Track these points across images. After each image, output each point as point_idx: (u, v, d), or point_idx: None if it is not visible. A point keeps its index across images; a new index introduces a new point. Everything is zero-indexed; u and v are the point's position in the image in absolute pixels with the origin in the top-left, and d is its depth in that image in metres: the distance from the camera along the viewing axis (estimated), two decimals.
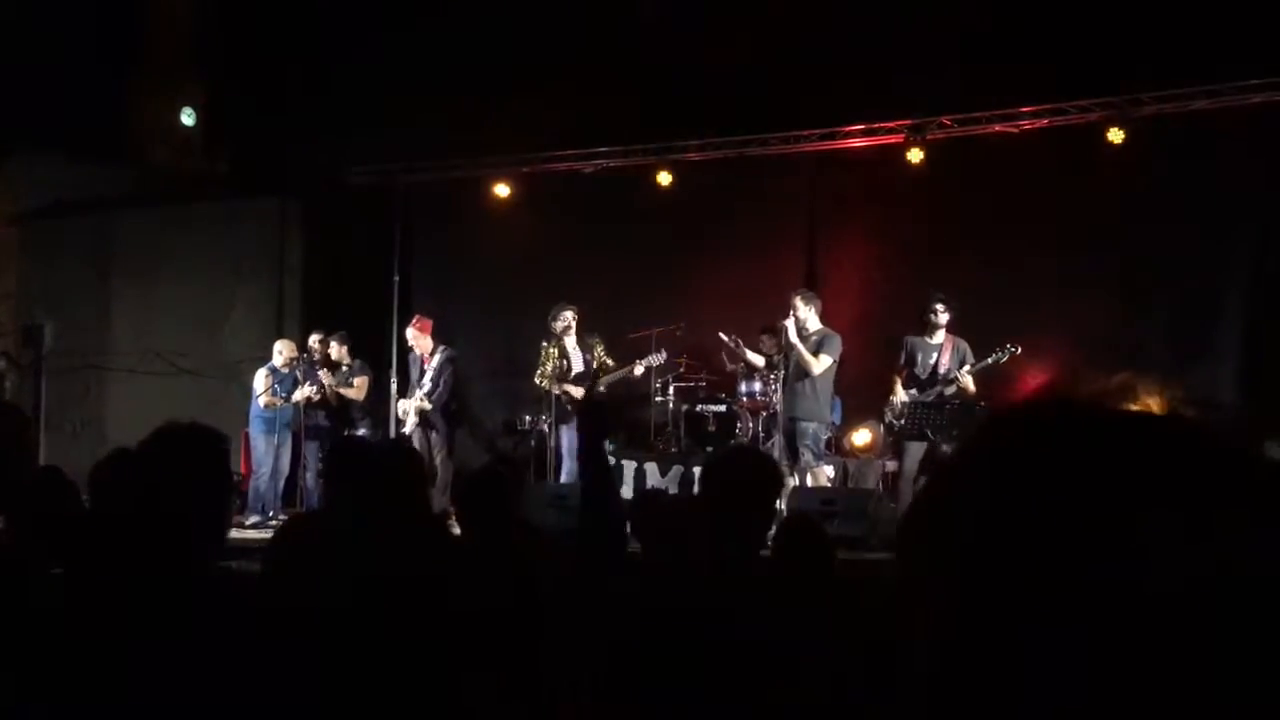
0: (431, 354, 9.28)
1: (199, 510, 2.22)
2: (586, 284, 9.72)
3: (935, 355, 7.95)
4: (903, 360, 8.12)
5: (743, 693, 2.33)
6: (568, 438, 8.36)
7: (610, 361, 8.36)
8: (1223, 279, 8.58)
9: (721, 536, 2.81)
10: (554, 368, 8.38)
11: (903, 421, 7.63)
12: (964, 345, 7.88)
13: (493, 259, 10.73)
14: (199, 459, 2.26)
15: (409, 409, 9.19)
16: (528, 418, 10.17)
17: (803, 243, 9.77)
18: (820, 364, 7.75)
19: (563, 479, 8.32)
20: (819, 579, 3.40)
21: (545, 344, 8.49)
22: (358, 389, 9.64)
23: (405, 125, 10.27)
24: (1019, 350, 7.60)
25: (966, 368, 7.69)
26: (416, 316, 9.59)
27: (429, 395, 9.07)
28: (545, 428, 9.60)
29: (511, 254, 10.66)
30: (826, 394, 7.94)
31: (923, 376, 7.95)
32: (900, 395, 8.06)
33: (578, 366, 8.36)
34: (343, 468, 4.29)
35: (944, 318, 7.90)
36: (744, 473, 2.92)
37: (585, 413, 3.19)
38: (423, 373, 9.24)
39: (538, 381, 8.44)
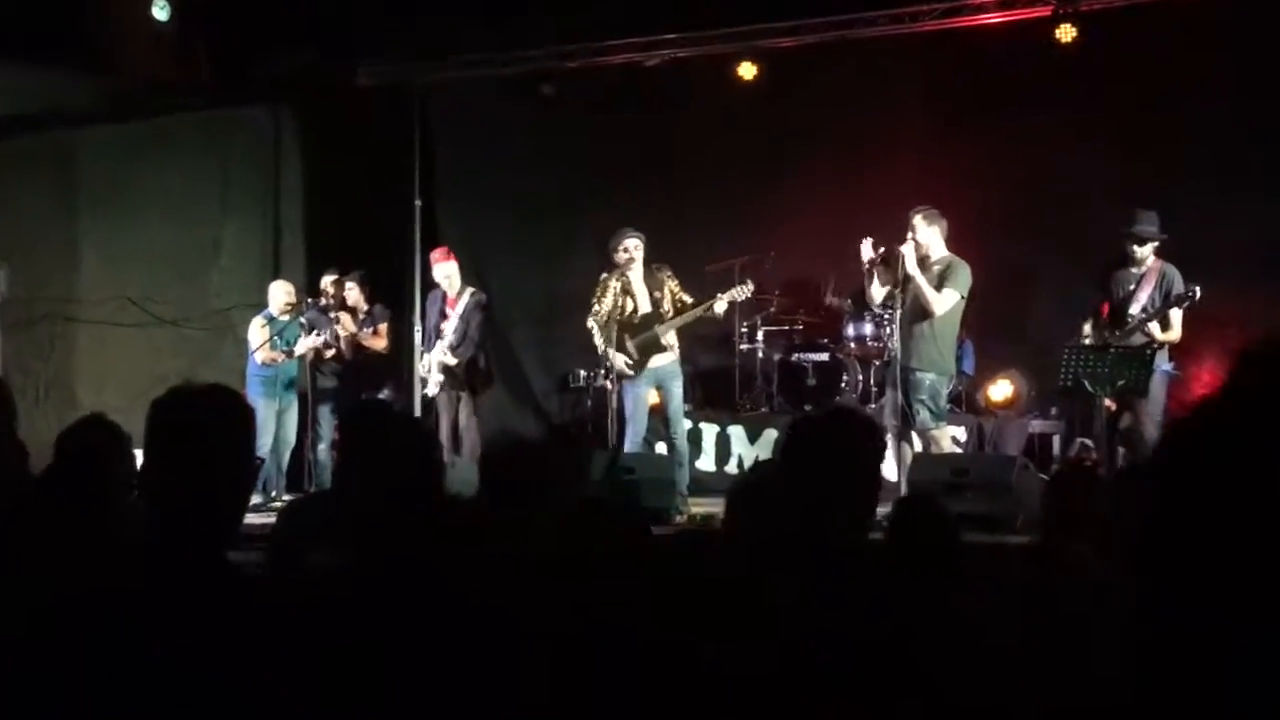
0: (458, 296, 9.32)
1: (220, 490, 2.26)
2: (651, 205, 9.72)
3: (1131, 288, 7.75)
4: (1100, 292, 7.92)
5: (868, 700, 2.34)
6: (631, 396, 8.37)
7: (687, 298, 8.32)
8: None
9: (812, 518, 2.79)
10: (614, 306, 8.34)
11: (1061, 370, 7.48)
12: (1173, 274, 7.64)
13: (535, 177, 10.74)
14: (219, 428, 2.28)
15: (431, 363, 9.25)
16: (583, 372, 10.19)
17: (921, 149, 9.61)
18: (944, 300, 7.62)
19: (627, 447, 8.33)
20: (935, 569, 3.37)
21: (605, 276, 8.47)
22: (380, 337, 9.74)
23: (423, 12, 10.25)
24: (1197, 296, 7.39)
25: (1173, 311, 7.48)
26: (441, 248, 9.61)
27: (454, 348, 9.11)
28: (607, 384, 9.63)
29: (557, 170, 10.68)
30: (950, 338, 7.82)
31: (1119, 312, 7.76)
32: (1087, 336, 7.86)
33: (644, 307, 8.34)
34: (362, 438, 4.36)
35: (1146, 248, 7.69)
36: (829, 439, 2.88)
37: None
38: (443, 317, 9.27)
39: (591, 326, 8.43)
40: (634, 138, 10.35)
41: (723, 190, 10.21)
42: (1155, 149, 8.83)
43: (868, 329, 9.42)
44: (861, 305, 9.30)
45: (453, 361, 9.09)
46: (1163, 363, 7.64)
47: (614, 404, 8.85)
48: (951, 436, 8.25)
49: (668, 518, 7.56)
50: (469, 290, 9.38)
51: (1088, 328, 7.88)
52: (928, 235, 7.74)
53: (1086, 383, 7.38)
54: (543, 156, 10.66)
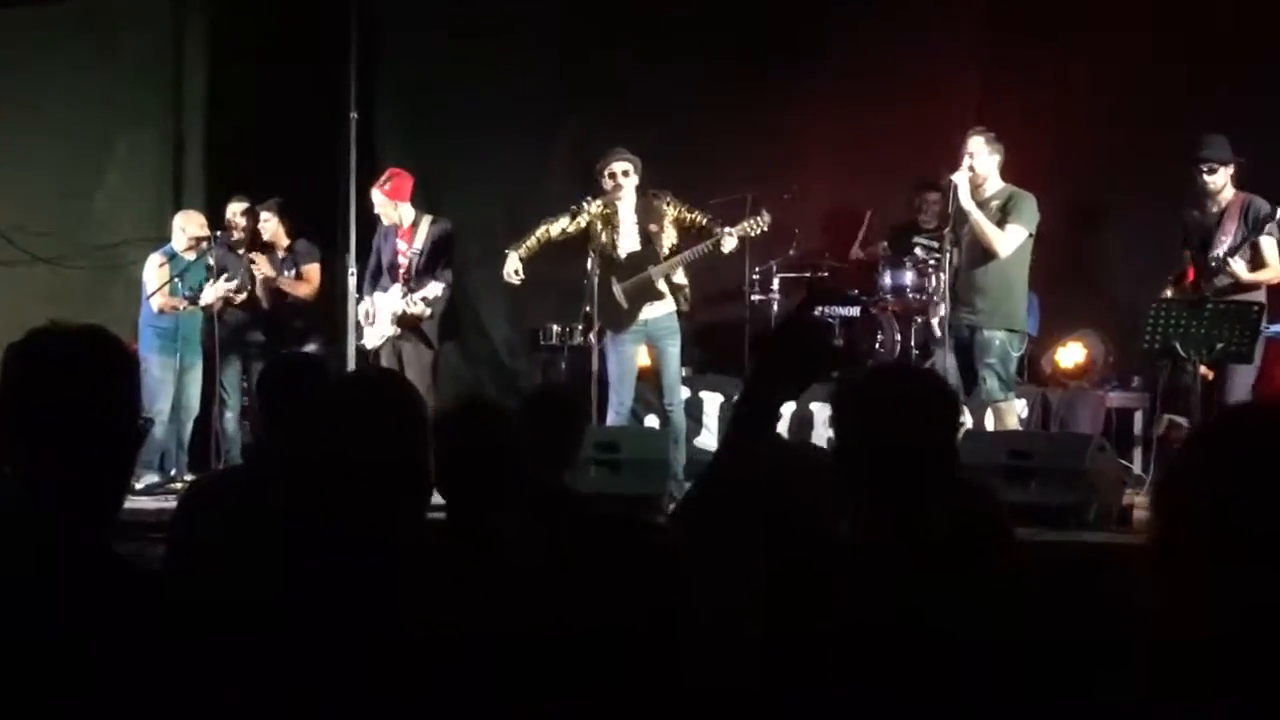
0: (413, 227, 9.24)
1: (87, 465, 2.18)
2: (643, 123, 9.63)
3: (1213, 228, 7.72)
4: (1186, 253, 7.91)
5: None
6: (616, 356, 8.32)
7: (702, 220, 8.29)
8: None
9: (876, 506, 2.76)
10: (596, 243, 8.32)
11: (1146, 330, 7.45)
12: (1260, 205, 7.62)
13: (499, 85, 10.66)
14: (91, 379, 2.20)
15: (381, 311, 9.16)
16: (556, 327, 10.15)
17: (980, 71, 9.59)
18: (1010, 238, 7.58)
19: (610, 420, 8.28)
20: (983, 576, 3.34)
21: (586, 202, 8.43)
22: (307, 282, 9.67)
23: None
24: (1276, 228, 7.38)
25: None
26: (390, 173, 9.53)
27: (417, 291, 9.03)
28: (590, 339, 9.57)
29: (527, 76, 10.61)
30: (1021, 286, 7.81)
31: (1201, 262, 7.76)
32: (1169, 293, 7.88)
33: (630, 243, 8.29)
34: (280, 402, 4.30)
35: (1219, 175, 7.67)
36: (905, 406, 2.81)
37: (782, 332, 2.89)
38: (396, 257, 9.20)
39: (509, 253, 8.47)
40: (623, 39, 10.27)
41: (735, 108, 10.14)
42: (1250, 70, 8.83)
43: (908, 278, 9.33)
44: (901, 250, 9.26)
45: (421, 309, 9.01)
46: (1274, 325, 7.63)
47: (596, 366, 8.82)
48: (1018, 414, 8.24)
49: (660, 506, 7.52)
50: (429, 218, 9.32)
51: (1169, 286, 7.92)
52: (987, 165, 7.72)
53: (1178, 345, 7.35)
54: (508, 59, 10.60)
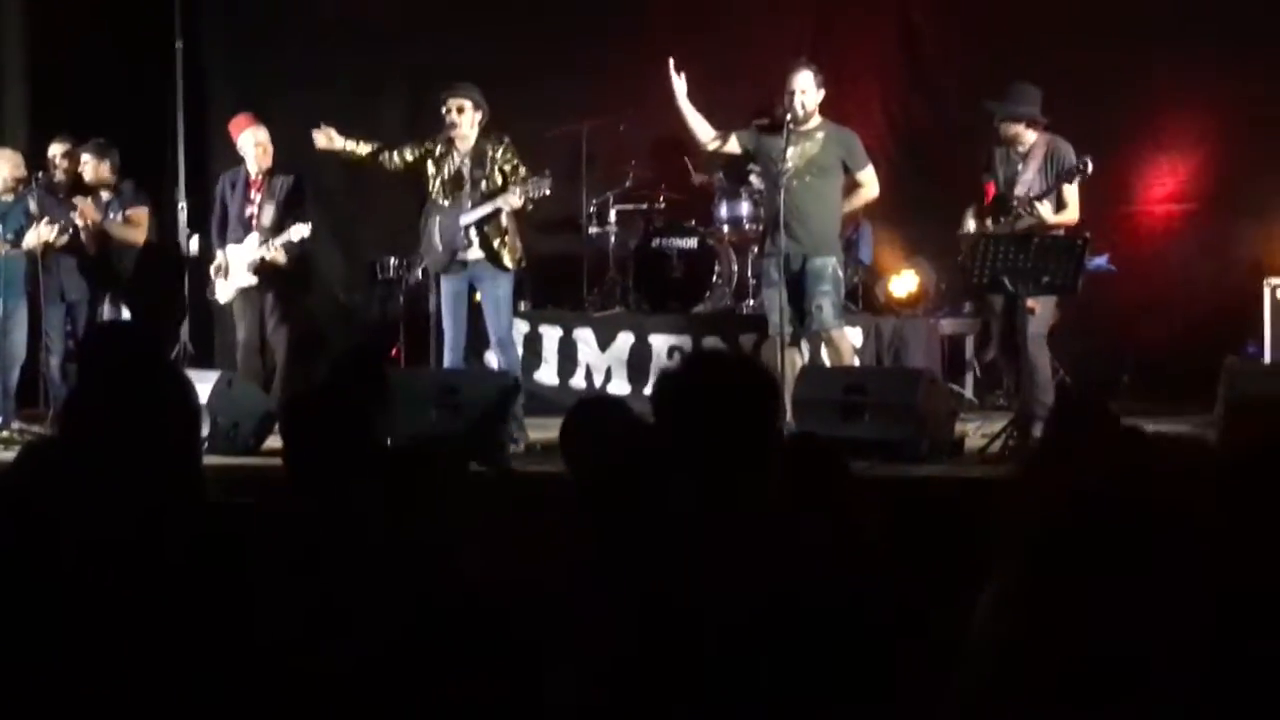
0: (268, 175, 9.01)
1: None
2: (478, 50, 9.61)
3: (1018, 167, 7.91)
4: (985, 176, 8.10)
5: None
6: (442, 296, 8.23)
7: (522, 170, 8.17)
8: None
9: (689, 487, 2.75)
10: (425, 179, 8.23)
11: (971, 264, 7.60)
12: (1065, 150, 7.83)
13: (335, 14, 10.52)
14: None
15: (235, 263, 8.96)
16: (393, 260, 10.03)
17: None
18: (873, 176, 7.90)
19: (446, 360, 8.21)
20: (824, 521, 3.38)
21: (427, 144, 8.29)
22: (134, 225, 9.40)
23: None
24: (1089, 169, 7.60)
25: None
26: (245, 114, 9.23)
27: (277, 238, 8.82)
28: (420, 275, 9.47)
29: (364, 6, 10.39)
30: (840, 215, 8.07)
31: (1002, 197, 7.98)
32: (969, 225, 8.09)
33: (454, 185, 8.16)
34: (97, 371, 4.18)
35: (1020, 126, 7.86)
36: (720, 396, 2.81)
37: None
38: (247, 207, 8.99)
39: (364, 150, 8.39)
40: None
41: (566, 33, 10.10)
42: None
43: (744, 209, 9.42)
44: (736, 180, 9.29)
45: (279, 255, 8.80)
46: (1096, 258, 7.81)
47: (431, 304, 8.74)
48: (852, 344, 8.36)
49: (501, 444, 7.49)
50: (281, 174, 9.09)
51: (969, 217, 8.13)
52: (814, 99, 7.84)
53: (1006, 280, 7.46)
54: None
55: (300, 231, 8.77)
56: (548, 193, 8.18)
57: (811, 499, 3.55)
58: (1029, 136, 7.90)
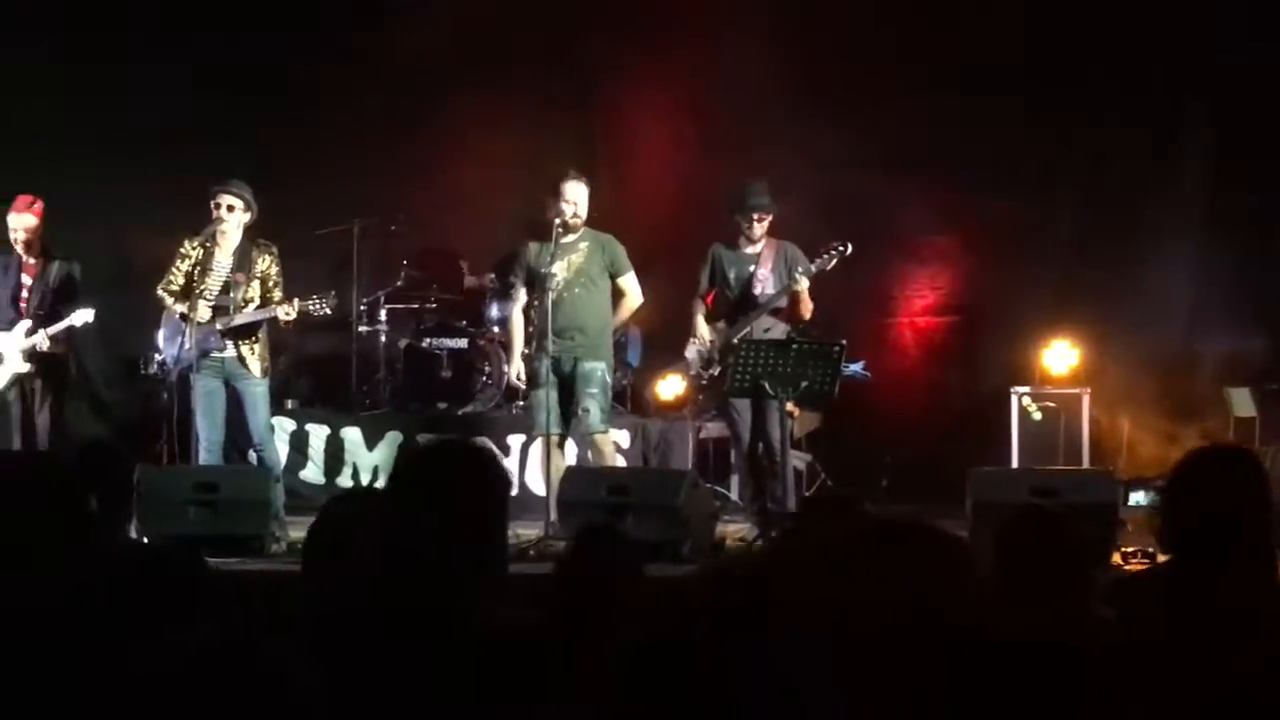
0: (42, 259, 8.74)
1: None
2: (249, 146, 9.50)
3: (751, 269, 8.09)
4: (705, 281, 8.24)
5: None
6: (200, 390, 8.05)
7: (277, 295, 8.03)
8: None
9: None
10: (188, 285, 8.03)
11: (719, 370, 7.74)
12: (793, 250, 8.08)
13: (106, 108, 10.27)
14: None
15: (7, 348, 8.64)
16: (158, 355, 9.78)
17: (582, 94, 9.76)
18: (636, 284, 8.00)
19: (202, 458, 8.01)
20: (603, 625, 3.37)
21: (189, 242, 8.12)
22: None
23: None
24: (848, 249, 7.85)
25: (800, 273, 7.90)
26: (25, 196, 8.91)
27: (50, 326, 8.55)
28: (187, 373, 9.26)
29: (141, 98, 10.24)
30: (611, 321, 8.15)
31: (734, 300, 8.12)
32: (702, 330, 8.20)
33: (214, 287, 8.02)
34: None
35: (759, 224, 8.06)
36: (438, 472, 2.84)
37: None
38: (20, 291, 8.69)
39: (162, 295, 8.14)
40: (236, 56, 10.07)
41: (342, 131, 10.08)
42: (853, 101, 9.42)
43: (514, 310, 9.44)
44: (507, 283, 9.32)
45: (46, 344, 8.52)
46: (852, 364, 8.04)
47: (194, 401, 8.53)
48: (615, 446, 8.42)
49: (260, 548, 7.34)
50: (58, 260, 8.80)
51: (700, 324, 8.23)
52: (584, 208, 7.89)
53: (766, 384, 7.63)
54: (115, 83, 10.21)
55: (85, 315, 8.56)
56: (329, 313, 8.12)
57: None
58: (763, 236, 8.10)
